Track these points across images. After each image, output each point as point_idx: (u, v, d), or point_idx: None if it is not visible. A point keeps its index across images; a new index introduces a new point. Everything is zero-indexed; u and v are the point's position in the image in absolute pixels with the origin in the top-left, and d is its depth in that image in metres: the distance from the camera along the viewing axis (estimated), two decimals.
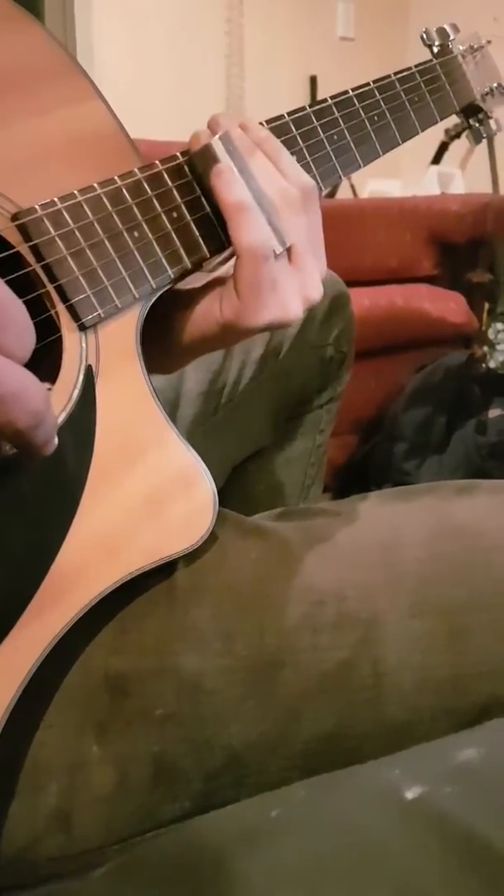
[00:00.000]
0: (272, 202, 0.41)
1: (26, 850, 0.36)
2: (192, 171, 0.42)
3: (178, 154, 0.42)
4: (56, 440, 0.28)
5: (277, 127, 0.46)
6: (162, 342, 0.45)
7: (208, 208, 0.42)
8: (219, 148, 0.40)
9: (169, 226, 0.41)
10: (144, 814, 0.37)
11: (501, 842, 0.26)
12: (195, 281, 0.45)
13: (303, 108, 0.47)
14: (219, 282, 0.43)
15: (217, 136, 0.41)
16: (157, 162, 0.41)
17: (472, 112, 0.62)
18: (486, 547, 0.41)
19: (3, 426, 0.26)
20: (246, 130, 0.43)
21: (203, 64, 2.52)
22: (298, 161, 0.45)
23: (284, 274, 0.42)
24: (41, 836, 0.36)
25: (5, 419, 0.26)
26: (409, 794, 0.28)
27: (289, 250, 0.42)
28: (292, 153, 0.45)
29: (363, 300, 1.36)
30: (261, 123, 0.45)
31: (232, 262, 0.43)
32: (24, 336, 0.26)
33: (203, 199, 0.42)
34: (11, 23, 0.37)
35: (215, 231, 0.43)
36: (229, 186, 0.40)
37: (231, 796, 0.37)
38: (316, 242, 0.44)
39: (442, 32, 0.58)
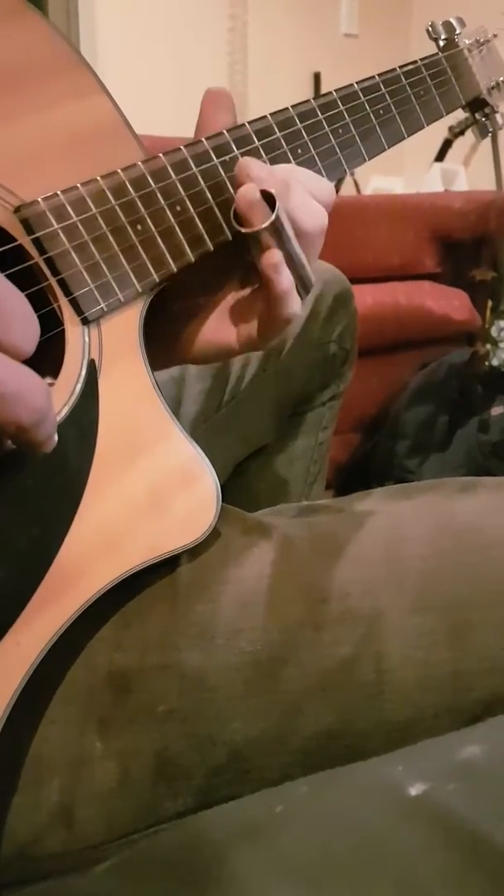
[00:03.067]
0: (308, 235, 0.42)
1: (28, 845, 0.36)
2: (197, 166, 0.42)
3: (182, 147, 0.42)
4: (56, 437, 0.28)
5: (282, 121, 0.45)
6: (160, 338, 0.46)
7: (212, 201, 0.42)
8: (267, 235, 0.40)
9: (172, 219, 0.41)
10: (146, 809, 0.37)
11: None
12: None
13: (307, 102, 0.47)
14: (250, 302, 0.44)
15: (269, 223, 0.40)
16: (160, 155, 0.41)
17: (479, 106, 0.62)
18: (487, 544, 0.41)
19: (6, 424, 0.26)
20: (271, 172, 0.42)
21: (206, 60, 2.52)
22: (303, 154, 0.46)
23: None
24: (43, 832, 0.36)
25: (7, 417, 0.26)
26: (413, 791, 0.28)
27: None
28: (297, 146, 0.45)
29: (366, 298, 1.36)
30: (265, 116, 0.45)
31: None
32: (29, 329, 0.26)
33: (207, 192, 0.42)
34: (16, 16, 0.37)
35: (219, 224, 0.43)
36: (280, 274, 0.41)
37: (233, 792, 0.37)
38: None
39: (448, 26, 0.58)
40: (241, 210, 0.40)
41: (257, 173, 0.41)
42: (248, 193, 0.40)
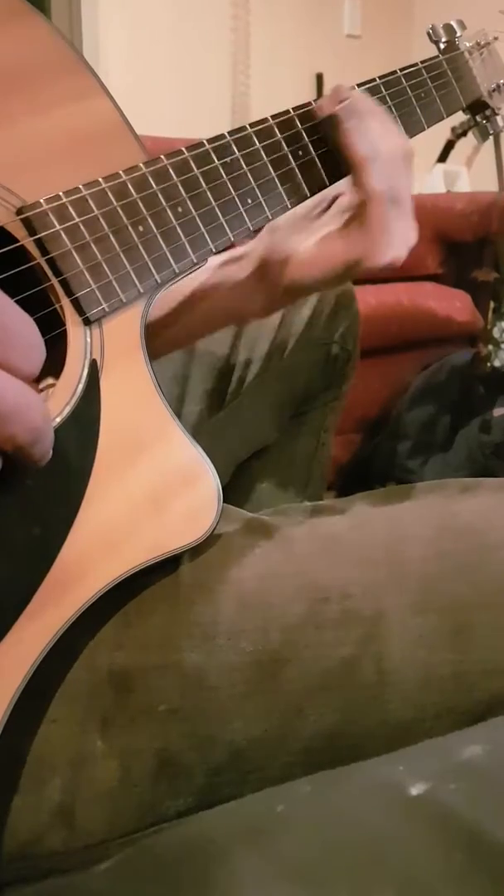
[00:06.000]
0: (388, 158, 0.46)
1: (29, 844, 0.36)
2: (200, 166, 0.42)
3: (184, 149, 0.42)
4: (51, 454, 0.29)
5: (283, 121, 0.46)
6: (267, 282, 0.50)
7: (214, 203, 0.42)
8: (346, 111, 0.46)
9: (174, 220, 0.41)
10: (147, 808, 0.37)
11: None
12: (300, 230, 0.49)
13: (308, 104, 0.47)
14: (341, 226, 0.48)
15: (346, 101, 0.46)
16: (161, 157, 0.41)
17: (479, 108, 0.62)
18: (489, 545, 0.41)
19: (3, 441, 0.26)
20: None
21: (209, 61, 2.52)
22: (304, 156, 0.46)
23: (398, 219, 0.47)
24: (44, 831, 0.36)
25: (5, 434, 0.26)
26: (414, 791, 0.28)
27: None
28: (298, 148, 0.46)
29: (369, 298, 1.36)
30: (267, 118, 0.45)
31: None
32: (33, 354, 0.26)
33: (208, 194, 0.42)
34: (18, 18, 0.37)
35: (220, 225, 0.43)
36: (361, 141, 0.45)
37: (234, 792, 0.37)
38: (410, 196, 0.49)
39: (448, 29, 0.58)
40: (321, 103, 0.47)
41: (344, 90, 0.47)
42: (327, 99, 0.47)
